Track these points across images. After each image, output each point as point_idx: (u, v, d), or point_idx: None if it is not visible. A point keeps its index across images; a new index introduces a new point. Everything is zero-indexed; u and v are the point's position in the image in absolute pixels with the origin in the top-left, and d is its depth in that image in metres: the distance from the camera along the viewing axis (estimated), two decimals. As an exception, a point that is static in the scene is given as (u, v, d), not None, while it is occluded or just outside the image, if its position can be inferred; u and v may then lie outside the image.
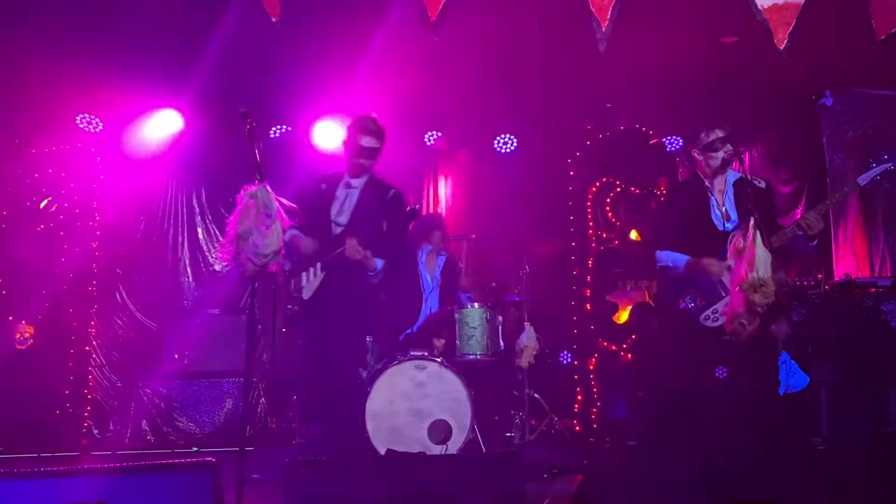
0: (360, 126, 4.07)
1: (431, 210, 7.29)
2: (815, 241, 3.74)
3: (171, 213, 6.91)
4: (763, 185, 3.88)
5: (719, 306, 3.74)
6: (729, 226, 3.80)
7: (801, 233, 3.66)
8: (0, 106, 6.12)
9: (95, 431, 6.11)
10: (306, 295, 3.87)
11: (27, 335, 6.00)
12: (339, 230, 3.96)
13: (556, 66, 6.23)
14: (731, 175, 3.90)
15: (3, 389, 5.73)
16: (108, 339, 6.59)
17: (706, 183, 3.91)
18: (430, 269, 5.88)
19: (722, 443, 3.64)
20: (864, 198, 6.51)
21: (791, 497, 2.93)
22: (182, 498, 2.46)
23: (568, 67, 6.21)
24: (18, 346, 5.97)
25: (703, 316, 3.76)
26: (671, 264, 3.89)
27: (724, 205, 3.85)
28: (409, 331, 5.65)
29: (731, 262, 3.70)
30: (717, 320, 3.74)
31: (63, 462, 5.32)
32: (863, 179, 3.69)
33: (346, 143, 4.04)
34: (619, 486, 2.84)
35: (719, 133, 3.84)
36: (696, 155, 3.94)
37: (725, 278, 3.76)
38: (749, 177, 3.84)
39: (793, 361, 5.39)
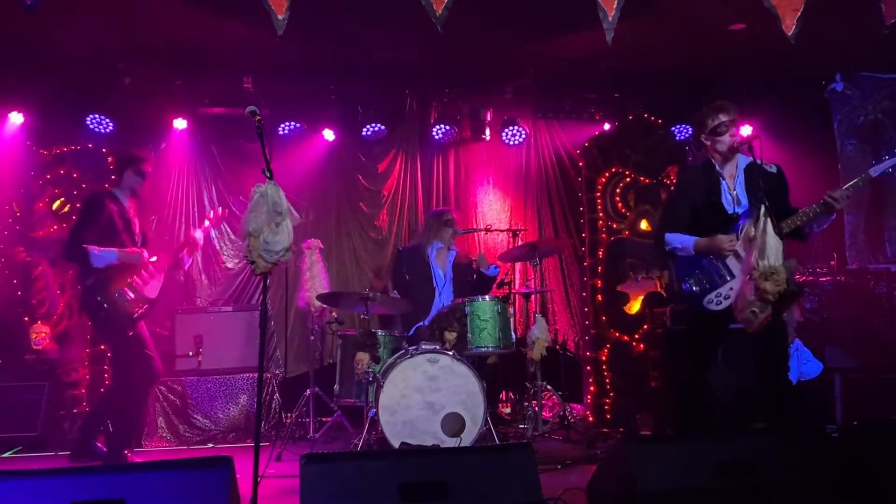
0: (148, 162, 5.17)
1: (441, 205, 7.29)
2: (833, 216, 3.73)
3: (183, 212, 6.97)
4: (774, 169, 3.86)
5: (723, 290, 3.75)
6: (739, 210, 3.81)
7: (822, 211, 3.64)
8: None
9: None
10: (155, 293, 4.96)
11: (43, 335, 6.05)
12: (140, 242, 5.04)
13: (561, 56, 6.22)
14: (742, 160, 3.90)
15: (20, 389, 5.80)
16: (123, 338, 6.66)
17: (717, 168, 3.92)
18: (441, 264, 5.90)
19: (735, 430, 3.65)
20: (877, 183, 6.46)
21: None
22: (199, 493, 2.48)
23: (574, 57, 6.20)
24: (34, 347, 6.03)
25: (706, 299, 3.77)
26: (679, 246, 3.90)
27: (734, 189, 3.85)
28: (420, 324, 5.67)
29: (741, 248, 3.71)
30: (721, 304, 3.74)
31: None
32: (875, 171, 3.66)
33: (145, 173, 5.10)
34: (633, 476, 2.84)
35: (723, 117, 3.84)
36: (704, 140, 3.96)
37: (731, 262, 3.77)
38: (760, 161, 3.83)
39: (806, 349, 5.37)
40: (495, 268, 5.95)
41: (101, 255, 4.68)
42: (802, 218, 3.66)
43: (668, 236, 3.94)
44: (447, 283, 5.88)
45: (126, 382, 4.86)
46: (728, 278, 3.75)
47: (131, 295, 4.72)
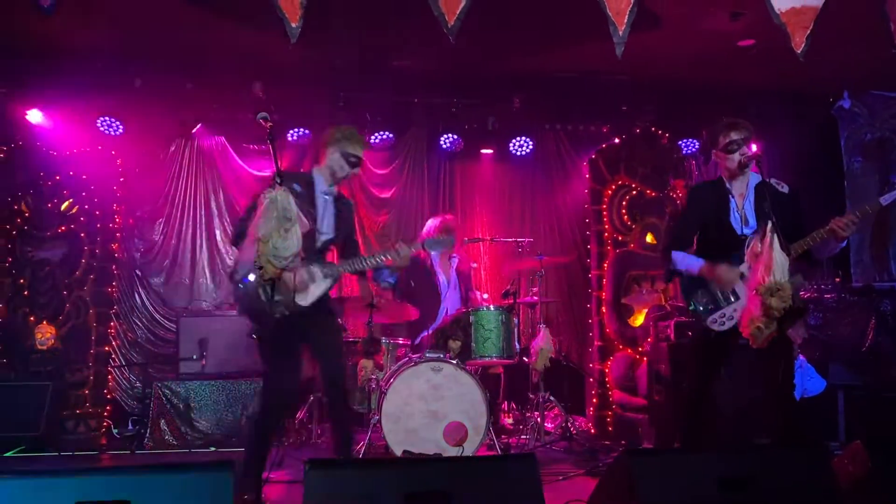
0: (359, 139, 3.98)
1: (446, 213, 7.31)
2: (845, 243, 3.71)
3: (190, 215, 7.00)
4: (786, 189, 3.83)
5: (727, 310, 3.73)
6: (747, 230, 3.77)
7: (828, 237, 3.62)
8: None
9: (115, 431, 6.18)
10: (307, 301, 3.75)
11: (48, 335, 6.08)
12: (324, 239, 3.88)
13: (572, 68, 6.25)
14: (753, 178, 3.87)
15: (24, 388, 5.81)
16: (128, 340, 6.70)
17: (727, 185, 3.90)
18: (444, 269, 5.92)
19: (738, 444, 3.64)
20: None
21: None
22: (203, 496, 2.47)
23: (583, 69, 6.23)
24: (39, 347, 6.06)
25: (710, 319, 3.76)
26: (684, 269, 3.88)
27: (742, 208, 3.83)
28: (424, 332, 5.68)
29: (747, 266, 3.70)
30: (724, 324, 3.73)
31: (83, 461, 5.39)
32: (885, 200, 3.64)
33: (352, 158, 3.89)
34: (635, 490, 2.84)
35: (735, 135, 3.82)
36: (714, 157, 3.96)
37: (738, 285, 3.75)
38: (771, 181, 3.81)
39: (809, 365, 5.37)
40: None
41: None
42: (809, 242, 3.62)
43: (675, 255, 3.92)
44: (451, 288, 5.90)
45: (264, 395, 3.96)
46: (732, 299, 3.73)
47: (276, 294, 3.57)
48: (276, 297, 3.52)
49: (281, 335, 3.64)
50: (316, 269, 3.72)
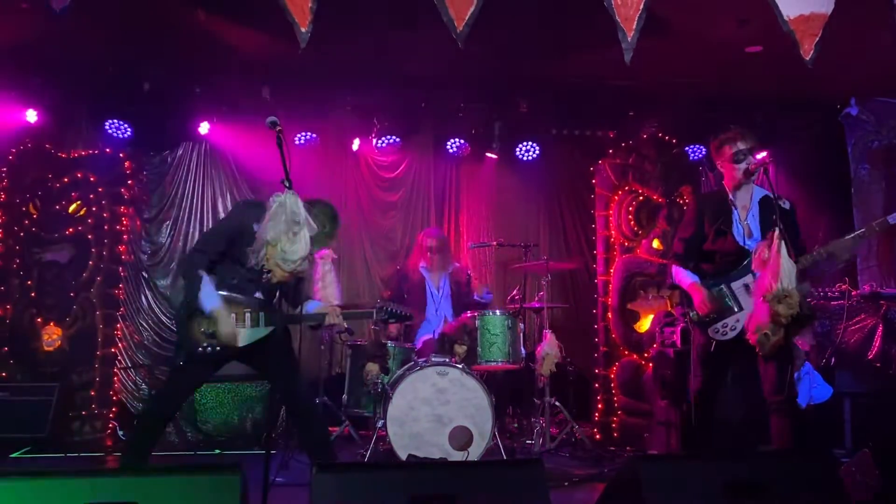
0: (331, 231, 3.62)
1: (453, 218, 7.35)
2: (842, 264, 3.74)
3: (197, 218, 7.01)
4: (787, 205, 3.86)
5: (730, 321, 3.75)
6: (750, 242, 3.79)
7: (826, 257, 3.64)
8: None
9: (120, 433, 6.19)
10: (241, 343, 3.53)
11: (55, 337, 6.10)
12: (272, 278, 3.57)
13: (579, 73, 6.26)
14: (758, 192, 3.89)
15: (30, 390, 5.83)
16: (134, 341, 6.70)
17: (730, 196, 3.90)
18: (435, 280, 5.95)
19: (744, 450, 3.64)
20: (890, 208, 6.45)
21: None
22: (212, 499, 2.49)
23: (591, 75, 6.23)
24: (46, 348, 6.09)
25: (712, 329, 3.78)
26: (678, 283, 3.95)
27: (746, 220, 3.84)
28: (429, 336, 5.69)
29: (752, 275, 3.69)
30: (727, 335, 3.75)
31: (88, 462, 5.40)
32: (893, 218, 3.66)
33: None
34: (643, 496, 2.84)
35: (741, 145, 3.84)
36: (720, 167, 3.96)
37: (741, 293, 3.75)
38: (774, 195, 3.82)
39: (816, 373, 5.36)
40: (488, 294, 6.01)
41: (207, 294, 3.41)
42: (815, 258, 3.64)
43: (674, 269, 3.97)
44: (443, 297, 5.91)
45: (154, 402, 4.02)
46: (735, 309, 3.75)
47: (212, 328, 3.46)
48: (211, 330, 3.42)
49: (200, 367, 3.58)
50: (258, 316, 3.58)
